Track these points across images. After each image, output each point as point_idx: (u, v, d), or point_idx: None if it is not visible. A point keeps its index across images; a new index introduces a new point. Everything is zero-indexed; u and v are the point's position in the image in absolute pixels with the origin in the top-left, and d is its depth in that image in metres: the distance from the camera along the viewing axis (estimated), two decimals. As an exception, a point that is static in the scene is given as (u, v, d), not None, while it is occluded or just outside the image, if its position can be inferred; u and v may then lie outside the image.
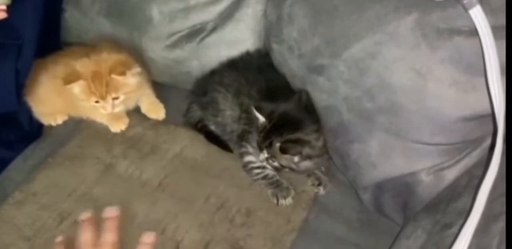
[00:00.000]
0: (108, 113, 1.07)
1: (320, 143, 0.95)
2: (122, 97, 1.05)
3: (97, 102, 1.05)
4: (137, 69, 1.06)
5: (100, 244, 0.71)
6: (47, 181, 1.03)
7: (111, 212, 0.75)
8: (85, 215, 0.77)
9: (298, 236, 0.95)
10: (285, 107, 0.97)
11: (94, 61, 1.03)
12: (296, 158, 0.93)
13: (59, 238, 0.79)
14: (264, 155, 0.94)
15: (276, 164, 0.95)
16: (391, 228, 0.96)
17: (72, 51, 1.13)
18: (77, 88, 1.03)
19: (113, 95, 1.04)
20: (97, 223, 0.73)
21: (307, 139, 0.93)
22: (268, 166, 0.97)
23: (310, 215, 0.99)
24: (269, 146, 0.93)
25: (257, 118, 0.95)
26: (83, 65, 1.03)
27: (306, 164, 0.95)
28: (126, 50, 1.09)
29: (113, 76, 1.02)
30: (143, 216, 0.96)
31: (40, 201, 0.99)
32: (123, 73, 1.02)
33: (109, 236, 0.72)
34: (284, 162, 0.94)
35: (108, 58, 1.04)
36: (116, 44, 1.11)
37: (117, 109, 1.07)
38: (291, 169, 0.95)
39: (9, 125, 1.12)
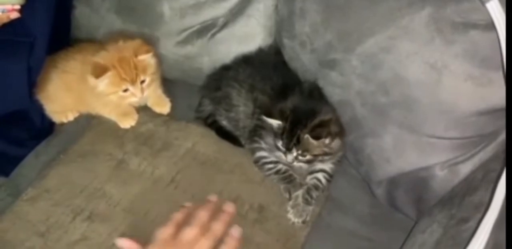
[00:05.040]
0: (138, 100, 1.08)
1: (336, 118, 0.95)
2: (148, 79, 1.06)
3: (125, 91, 1.05)
4: (152, 50, 1.07)
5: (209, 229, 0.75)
6: (59, 177, 1.03)
7: (229, 207, 0.80)
8: (213, 197, 0.83)
9: (311, 231, 0.95)
10: (291, 102, 0.97)
11: (115, 50, 1.04)
12: (327, 140, 0.92)
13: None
14: (293, 154, 0.93)
15: (308, 157, 0.94)
16: (404, 222, 0.96)
17: (82, 47, 1.14)
18: (105, 80, 1.02)
19: (142, 78, 1.05)
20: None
21: (328, 118, 0.93)
22: (298, 164, 0.96)
23: (323, 210, 0.99)
24: (298, 142, 0.92)
25: (271, 124, 0.95)
26: (104, 56, 1.03)
27: (337, 143, 0.94)
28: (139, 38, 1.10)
29: (140, 57, 1.03)
30: (156, 212, 0.96)
31: (53, 197, 0.99)
32: (148, 51, 1.03)
33: (219, 227, 0.76)
34: (317, 151, 0.93)
35: (126, 44, 1.05)
36: (127, 36, 1.11)
37: (145, 94, 1.07)
38: (325, 154, 0.94)
39: (21, 123, 1.12)
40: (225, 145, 1.09)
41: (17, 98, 1.06)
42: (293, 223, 0.95)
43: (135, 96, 1.06)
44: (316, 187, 0.98)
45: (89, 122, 1.15)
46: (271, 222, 0.96)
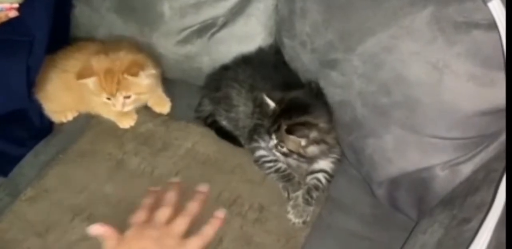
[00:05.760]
0: (119, 111, 1.07)
1: (327, 127, 0.95)
2: (133, 97, 1.06)
3: (108, 98, 1.05)
4: (151, 71, 1.06)
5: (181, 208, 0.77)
6: (59, 177, 1.03)
7: (202, 187, 0.82)
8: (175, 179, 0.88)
9: (312, 232, 0.95)
10: (295, 93, 0.97)
11: (111, 59, 1.04)
12: (303, 142, 0.92)
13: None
14: (274, 141, 0.94)
15: (284, 149, 0.95)
16: (405, 223, 0.96)
17: (81, 46, 1.13)
18: (90, 83, 1.03)
19: (124, 94, 1.04)
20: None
21: (315, 123, 0.93)
22: (277, 153, 0.96)
23: (323, 211, 0.98)
24: (278, 129, 0.93)
25: (268, 105, 0.96)
26: (98, 61, 1.03)
27: (314, 149, 0.94)
28: (145, 52, 1.10)
29: (126, 76, 1.02)
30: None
31: (52, 197, 0.99)
32: (135, 74, 1.02)
33: (193, 205, 0.78)
34: (291, 146, 0.94)
35: (125, 57, 1.04)
36: (135, 45, 1.11)
37: (127, 109, 1.07)
38: (299, 155, 0.95)
39: (20, 122, 1.12)
40: (225, 145, 1.09)
41: (16, 97, 1.06)
42: (294, 223, 0.95)
43: (115, 107, 1.06)
44: (316, 187, 0.98)
45: (88, 122, 1.14)
46: (271, 222, 0.96)
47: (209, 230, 0.76)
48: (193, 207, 0.77)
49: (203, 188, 0.82)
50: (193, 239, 0.73)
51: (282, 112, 0.94)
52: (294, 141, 0.93)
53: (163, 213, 0.75)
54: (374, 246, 0.94)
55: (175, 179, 0.88)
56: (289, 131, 0.91)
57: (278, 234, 0.94)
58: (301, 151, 0.94)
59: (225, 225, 0.93)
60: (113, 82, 1.02)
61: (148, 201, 0.79)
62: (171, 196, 0.78)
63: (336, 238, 0.95)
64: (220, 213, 0.80)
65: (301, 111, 0.94)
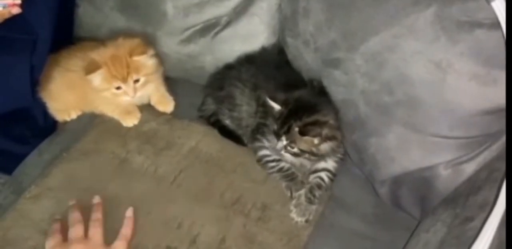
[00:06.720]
0: (131, 99, 1.07)
1: (336, 123, 0.95)
2: (142, 79, 1.06)
3: (118, 88, 1.05)
4: (152, 51, 1.08)
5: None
6: (62, 175, 1.03)
7: (94, 199, 0.94)
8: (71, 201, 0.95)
9: (314, 231, 0.95)
10: (299, 93, 0.97)
11: (111, 47, 1.05)
12: (316, 140, 0.92)
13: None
14: (283, 142, 0.94)
15: (295, 150, 0.94)
16: (408, 222, 0.96)
17: (85, 46, 1.14)
18: (97, 77, 1.03)
19: (135, 77, 1.05)
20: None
21: (325, 120, 0.93)
22: (286, 155, 0.96)
23: (326, 210, 0.99)
24: (288, 131, 0.93)
25: (272, 108, 0.96)
26: (99, 53, 1.04)
27: (326, 146, 0.94)
28: (141, 37, 1.10)
29: (134, 57, 1.03)
30: (158, 211, 0.96)
31: (56, 196, 0.99)
32: (143, 53, 1.03)
33: (95, 215, 0.88)
34: (304, 146, 0.94)
35: (125, 42, 1.06)
36: (129, 35, 1.11)
37: (139, 94, 1.07)
38: (311, 153, 0.95)
39: (24, 121, 1.12)
40: (228, 144, 1.09)
41: (20, 96, 1.06)
42: (296, 222, 0.95)
43: (127, 94, 1.06)
44: (319, 186, 0.98)
45: (92, 121, 1.14)
46: (274, 221, 0.96)
47: (126, 230, 0.85)
48: (96, 215, 0.85)
49: (95, 199, 0.94)
50: (117, 243, 0.78)
51: (290, 113, 0.94)
52: (307, 141, 0.93)
53: (75, 230, 0.80)
54: (376, 245, 0.94)
55: (72, 201, 0.95)
56: (303, 132, 0.91)
57: (281, 233, 0.94)
58: (314, 149, 0.94)
59: (228, 224, 0.95)
60: (123, 66, 1.03)
61: (55, 226, 0.83)
62: (75, 216, 0.85)
63: (339, 237, 0.95)
64: (129, 212, 0.91)
65: (309, 110, 0.94)
